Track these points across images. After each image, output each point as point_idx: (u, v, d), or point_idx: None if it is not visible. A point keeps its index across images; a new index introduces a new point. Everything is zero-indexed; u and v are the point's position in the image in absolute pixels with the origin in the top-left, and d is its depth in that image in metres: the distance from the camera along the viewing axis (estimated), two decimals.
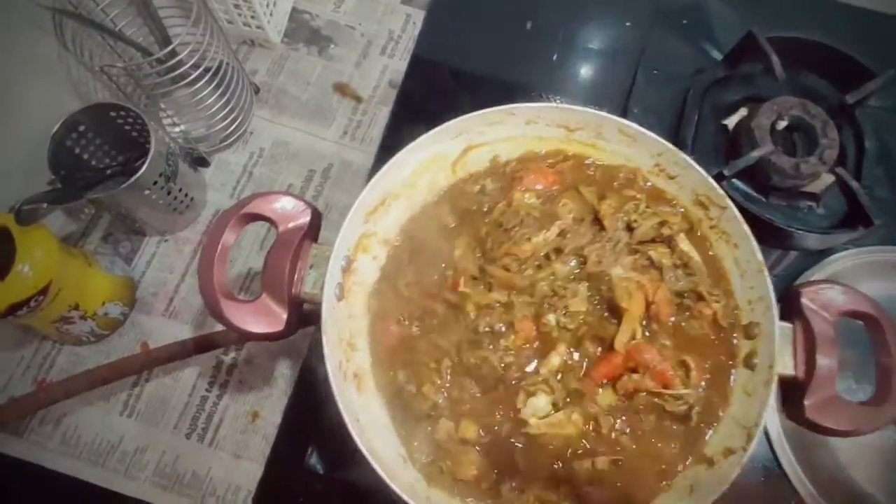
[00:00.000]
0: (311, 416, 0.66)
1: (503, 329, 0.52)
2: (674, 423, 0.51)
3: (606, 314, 0.52)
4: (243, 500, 0.76)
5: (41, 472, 0.75)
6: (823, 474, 0.63)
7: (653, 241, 0.55)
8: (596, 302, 0.53)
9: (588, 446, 0.50)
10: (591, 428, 0.50)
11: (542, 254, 0.54)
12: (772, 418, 0.64)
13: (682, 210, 0.58)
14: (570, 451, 0.50)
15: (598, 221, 0.56)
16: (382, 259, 0.58)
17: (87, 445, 0.77)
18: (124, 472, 0.76)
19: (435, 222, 0.58)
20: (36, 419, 0.77)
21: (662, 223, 0.55)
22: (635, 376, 0.49)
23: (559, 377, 0.51)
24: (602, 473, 0.48)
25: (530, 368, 0.52)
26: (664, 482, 0.49)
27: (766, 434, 0.63)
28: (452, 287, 0.54)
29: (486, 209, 0.58)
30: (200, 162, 0.88)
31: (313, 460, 0.65)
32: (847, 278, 0.70)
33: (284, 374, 0.82)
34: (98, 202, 0.76)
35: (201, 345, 0.71)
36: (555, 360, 0.51)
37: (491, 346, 0.51)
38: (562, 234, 0.55)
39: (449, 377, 0.52)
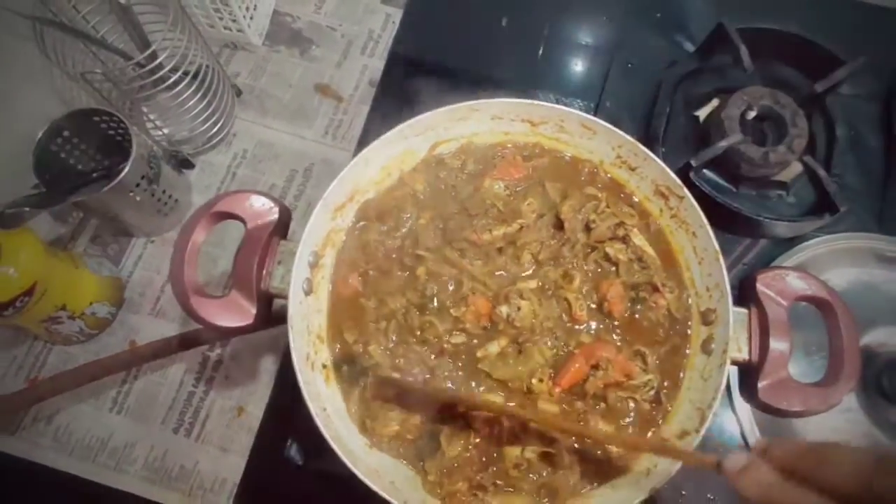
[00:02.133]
0: (291, 409, 0.68)
1: (451, 298, 0.54)
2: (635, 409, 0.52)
3: (564, 316, 0.54)
4: (229, 492, 0.78)
5: (34, 469, 0.77)
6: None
7: (610, 238, 0.57)
8: (551, 299, 0.54)
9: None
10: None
11: (497, 247, 0.55)
12: (743, 405, 0.65)
13: (638, 201, 0.60)
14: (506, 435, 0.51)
15: (558, 221, 0.57)
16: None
17: (79, 441, 0.79)
18: (115, 466, 0.78)
19: (408, 189, 0.60)
20: (28, 417, 0.80)
21: (619, 224, 0.56)
22: (600, 373, 0.51)
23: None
24: (529, 462, 0.50)
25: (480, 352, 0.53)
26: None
27: (738, 421, 0.65)
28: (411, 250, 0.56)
29: (455, 192, 0.60)
30: (185, 164, 0.90)
31: (293, 452, 0.67)
32: (817, 265, 0.71)
33: (268, 370, 0.83)
34: (83, 205, 0.78)
35: (185, 342, 0.73)
36: (492, 348, 0.52)
37: (437, 312, 0.53)
38: (521, 231, 0.56)
39: (394, 338, 0.53)
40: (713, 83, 0.80)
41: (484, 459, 0.52)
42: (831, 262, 0.72)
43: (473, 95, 0.60)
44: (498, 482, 0.51)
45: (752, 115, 0.75)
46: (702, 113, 0.79)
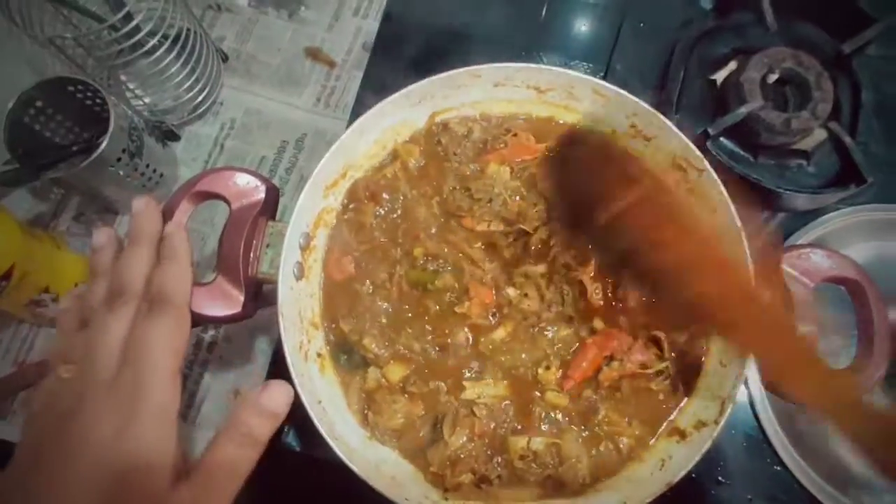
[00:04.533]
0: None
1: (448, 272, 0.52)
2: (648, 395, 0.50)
3: (577, 301, 0.51)
4: None
5: None
6: (807, 441, 0.62)
7: None
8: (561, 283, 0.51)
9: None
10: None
11: (492, 240, 0.52)
12: (755, 385, 0.63)
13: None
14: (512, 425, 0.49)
15: None
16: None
17: None
18: None
19: (400, 163, 0.56)
20: (18, 402, 0.77)
21: None
22: (615, 364, 0.48)
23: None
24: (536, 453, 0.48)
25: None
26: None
27: (750, 401, 0.62)
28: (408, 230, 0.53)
29: (457, 163, 0.55)
30: (170, 136, 0.85)
31: (290, 438, 0.65)
32: (838, 239, 0.68)
33: (264, 351, 0.80)
34: (62, 182, 0.74)
35: None
36: (497, 333, 0.49)
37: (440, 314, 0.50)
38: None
39: (390, 330, 0.51)
40: (732, 44, 0.75)
41: (489, 452, 0.50)
42: (853, 235, 0.69)
43: (474, 60, 0.55)
44: (503, 474, 0.49)
45: (773, 78, 0.70)
46: (719, 76, 0.74)
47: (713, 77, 0.74)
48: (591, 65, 0.78)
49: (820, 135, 0.70)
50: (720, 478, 0.60)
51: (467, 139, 0.56)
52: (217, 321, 0.48)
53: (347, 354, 0.51)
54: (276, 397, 0.38)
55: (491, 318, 0.51)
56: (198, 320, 0.48)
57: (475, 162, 0.55)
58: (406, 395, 0.50)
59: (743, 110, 0.66)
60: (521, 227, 0.51)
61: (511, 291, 0.49)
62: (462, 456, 0.49)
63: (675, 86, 0.73)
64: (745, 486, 0.60)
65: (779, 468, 0.61)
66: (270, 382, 0.39)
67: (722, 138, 0.70)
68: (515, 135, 0.56)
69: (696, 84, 0.74)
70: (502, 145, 0.56)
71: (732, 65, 0.74)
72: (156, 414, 0.36)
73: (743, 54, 0.73)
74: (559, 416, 0.48)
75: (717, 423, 0.45)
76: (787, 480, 0.60)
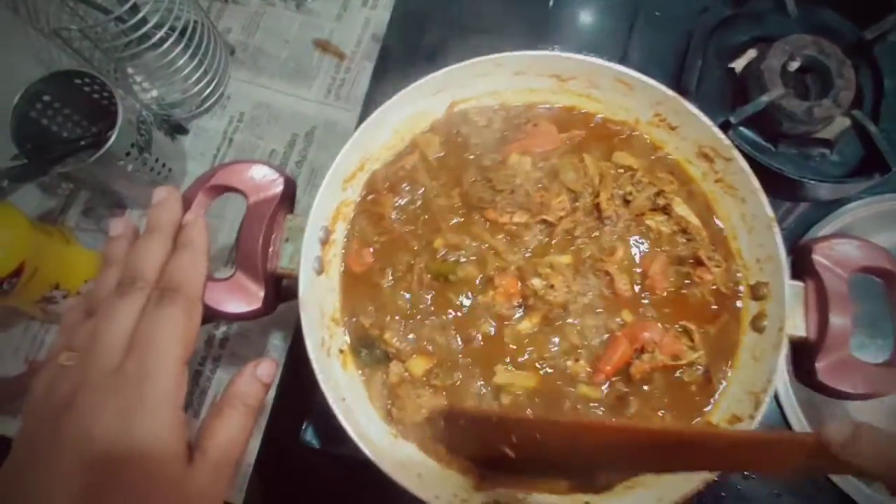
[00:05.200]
0: (304, 390, 0.64)
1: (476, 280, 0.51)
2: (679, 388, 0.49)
3: (605, 291, 0.50)
4: (244, 473, 0.76)
5: None
6: None
7: (650, 209, 0.52)
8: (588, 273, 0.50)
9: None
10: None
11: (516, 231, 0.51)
12: (780, 375, 0.61)
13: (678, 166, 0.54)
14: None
15: (597, 205, 0.52)
16: None
17: None
18: None
19: (419, 154, 0.55)
20: None
21: (658, 192, 0.51)
22: (645, 356, 0.47)
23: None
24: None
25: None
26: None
27: (775, 391, 0.61)
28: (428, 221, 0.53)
29: (478, 154, 0.54)
30: (178, 129, 0.84)
31: (308, 435, 0.64)
32: (861, 229, 0.67)
33: (277, 346, 0.79)
34: (70, 176, 0.73)
35: None
36: (523, 325, 0.48)
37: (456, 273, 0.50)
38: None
39: (410, 322, 0.50)
40: (750, 31, 0.73)
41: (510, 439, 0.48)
42: (876, 225, 0.68)
43: (485, 50, 0.54)
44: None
45: (794, 66, 0.68)
46: (738, 65, 0.73)
47: (732, 66, 0.73)
48: (605, 56, 0.76)
49: (842, 123, 0.69)
50: (746, 472, 0.59)
51: (487, 129, 0.55)
52: (236, 318, 0.47)
53: (368, 349, 0.50)
54: (267, 369, 0.41)
55: (517, 308, 0.49)
56: (216, 316, 0.47)
57: (496, 152, 0.54)
58: (430, 389, 0.49)
59: (764, 99, 0.65)
60: (545, 217, 0.50)
61: (537, 282, 0.48)
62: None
63: (693, 75, 0.71)
64: (773, 481, 0.59)
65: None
66: (261, 359, 0.42)
67: (742, 128, 0.69)
68: (536, 125, 0.54)
69: (715, 73, 0.73)
70: (523, 135, 0.55)
71: (751, 53, 0.73)
72: (162, 402, 0.35)
73: (762, 42, 0.72)
74: (591, 410, 0.47)
75: (752, 417, 0.44)
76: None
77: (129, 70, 0.76)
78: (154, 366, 0.36)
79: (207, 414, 0.39)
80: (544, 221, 0.51)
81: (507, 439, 0.42)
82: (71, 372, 0.36)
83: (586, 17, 0.81)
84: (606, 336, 0.49)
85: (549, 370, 0.48)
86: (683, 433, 0.38)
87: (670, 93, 0.51)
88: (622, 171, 0.53)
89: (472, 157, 0.54)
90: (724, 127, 0.65)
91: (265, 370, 0.41)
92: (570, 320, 0.48)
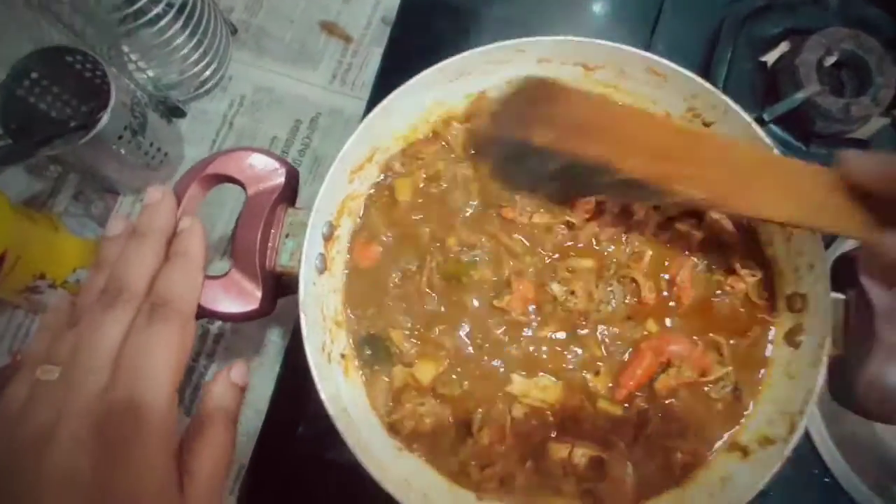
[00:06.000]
0: (301, 390, 0.61)
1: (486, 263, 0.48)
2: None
3: (629, 300, 0.46)
4: (236, 473, 0.73)
5: None
6: (858, 448, 0.58)
7: (682, 213, 0.48)
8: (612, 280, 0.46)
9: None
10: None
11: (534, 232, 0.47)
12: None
13: None
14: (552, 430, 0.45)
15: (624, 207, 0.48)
16: None
17: None
18: None
19: (441, 141, 0.51)
20: None
21: None
22: (672, 371, 0.43)
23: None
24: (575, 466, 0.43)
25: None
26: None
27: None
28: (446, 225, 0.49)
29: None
30: (175, 112, 0.80)
31: (303, 438, 0.61)
32: None
33: (275, 342, 0.76)
34: (58, 159, 0.69)
35: None
36: (539, 334, 0.45)
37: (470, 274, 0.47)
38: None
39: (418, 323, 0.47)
40: (784, 22, 0.69)
41: (520, 454, 0.45)
42: None
43: (501, 36, 0.50)
44: (534, 479, 0.45)
45: (830, 61, 0.64)
46: (770, 58, 0.69)
47: (763, 59, 0.69)
48: (629, 46, 0.72)
49: (878, 123, 0.65)
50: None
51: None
52: (232, 318, 0.43)
53: (372, 349, 0.47)
54: (239, 371, 0.40)
55: (533, 315, 0.46)
56: (210, 316, 0.44)
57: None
58: (436, 399, 0.46)
59: (800, 96, 0.61)
60: (569, 219, 0.46)
61: (556, 287, 0.45)
62: (491, 455, 0.45)
63: (723, 68, 0.67)
64: (791, 499, 0.56)
65: (828, 480, 0.57)
66: (234, 362, 0.41)
67: (772, 125, 0.65)
68: None
69: (745, 66, 0.69)
70: None
71: (784, 46, 0.69)
72: (154, 436, 0.32)
73: (796, 34, 0.68)
74: (607, 427, 0.44)
75: (786, 441, 0.40)
76: (834, 492, 0.56)
77: (124, 48, 0.72)
78: (145, 396, 0.32)
79: (189, 431, 0.36)
80: (567, 223, 0.47)
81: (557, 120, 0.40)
82: (50, 391, 0.33)
83: (609, 4, 0.76)
84: (630, 348, 0.45)
85: (568, 382, 0.45)
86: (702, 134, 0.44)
87: (708, 85, 0.47)
88: None
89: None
90: (757, 124, 0.61)
91: (238, 373, 0.40)
92: (591, 330, 0.45)
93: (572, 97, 0.42)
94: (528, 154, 0.41)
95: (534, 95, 0.43)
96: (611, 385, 0.45)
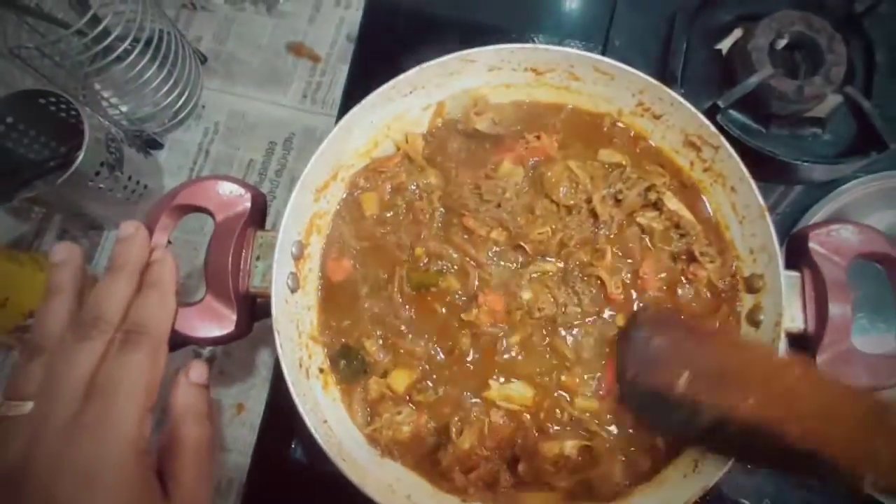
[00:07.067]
0: (292, 406, 0.62)
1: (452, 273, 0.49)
2: None
3: (597, 298, 0.47)
4: (236, 491, 0.74)
5: None
6: None
7: (642, 206, 0.49)
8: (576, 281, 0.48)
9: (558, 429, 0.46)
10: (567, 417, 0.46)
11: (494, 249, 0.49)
12: None
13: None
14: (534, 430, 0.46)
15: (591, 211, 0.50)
16: None
17: None
18: None
19: (404, 153, 0.53)
20: None
21: (649, 188, 0.49)
22: None
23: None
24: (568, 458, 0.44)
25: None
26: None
27: None
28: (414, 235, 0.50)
29: (463, 157, 0.52)
30: (152, 144, 0.81)
31: (298, 453, 0.62)
32: (859, 210, 0.64)
33: (265, 362, 0.78)
34: (41, 200, 0.71)
35: None
36: (511, 340, 0.46)
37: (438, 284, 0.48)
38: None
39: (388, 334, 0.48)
40: (735, 10, 0.71)
41: (502, 456, 0.46)
42: (873, 205, 0.65)
43: (465, 46, 0.51)
44: (526, 479, 0.46)
45: (782, 43, 0.66)
46: (724, 45, 0.70)
47: (718, 47, 0.70)
48: (587, 43, 0.74)
49: (834, 100, 0.66)
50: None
51: (495, 123, 0.52)
52: (209, 343, 0.45)
53: (347, 360, 0.48)
54: (196, 370, 0.40)
55: (501, 325, 0.47)
56: (189, 343, 0.45)
57: (492, 157, 0.51)
58: (412, 405, 0.47)
59: (753, 80, 0.63)
60: (521, 244, 0.48)
61: (523, 296, 0.46)
62: (472, 458, 0.46)
63: (678, 58, 0.69)
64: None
65: None
66: (190, 364, 0.40)
67: (731, 111, 0.66)
68: (539, 137, 0.52)
69: (701, 55, 0.70)
70: (519, 146, 0.52)
71: (737, 32, 0.70)
72: (126, 452, 0.33)
73: (747, 20, 0.69)
74: (589, 420, 0.45)
75: None
76: None
77: (96, 86, 0.74)
78: (117, 416, 0.34)
79: (163, 441, 0.37)
80: (519, 247, 0.48)
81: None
82: (23, 423, 0.34)
83: (568, 4, 0.78)
84: (605, 346, 0.46)
85: (543, 384, 0.46)
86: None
87: (652, 80, 0.48)
88: (610, 168, 0.51)
89: (460, 159, 0.52)
90: (713, 111, 0.62)
91: (196, 373, 0.40)
92: (561, 333, 0.46)
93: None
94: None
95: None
96: (591, 382, 0.46)
